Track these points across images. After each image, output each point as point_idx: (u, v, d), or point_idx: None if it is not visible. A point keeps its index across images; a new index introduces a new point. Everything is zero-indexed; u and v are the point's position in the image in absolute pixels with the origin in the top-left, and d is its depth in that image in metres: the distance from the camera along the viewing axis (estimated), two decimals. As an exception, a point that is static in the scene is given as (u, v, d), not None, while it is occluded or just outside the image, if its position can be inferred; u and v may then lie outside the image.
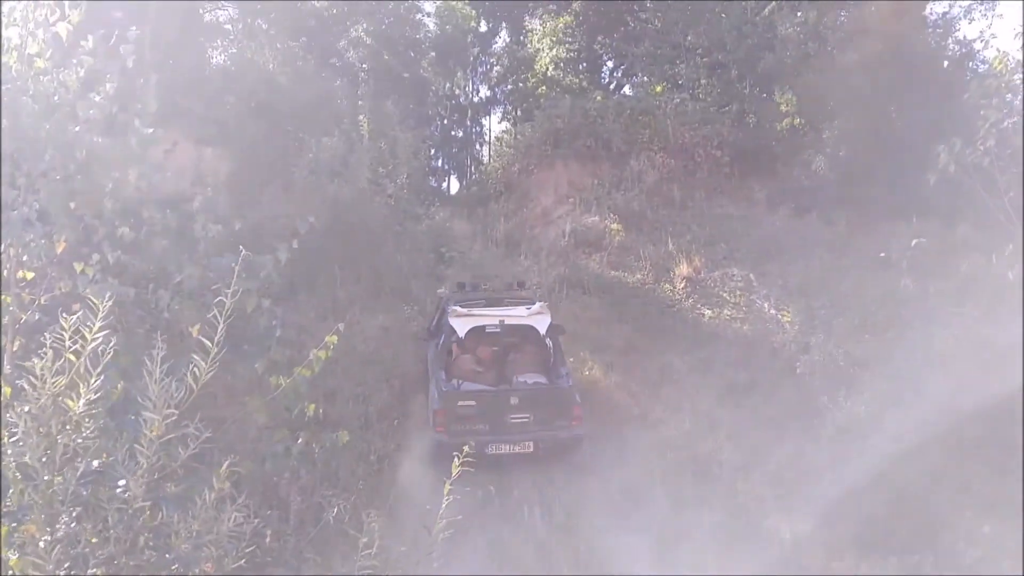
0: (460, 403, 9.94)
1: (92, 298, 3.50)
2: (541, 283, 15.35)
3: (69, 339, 3.46)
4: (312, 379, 5.04)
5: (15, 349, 4.60)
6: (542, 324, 10.68)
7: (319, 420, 5.97)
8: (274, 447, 5.11)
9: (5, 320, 4.61)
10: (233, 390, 8.25)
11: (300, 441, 5.38)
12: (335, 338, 4.94)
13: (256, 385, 5.73)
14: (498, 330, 10.74)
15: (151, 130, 5.04)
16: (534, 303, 11.19)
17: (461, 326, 10.44)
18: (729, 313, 14.39)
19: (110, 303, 3.50)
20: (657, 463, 9.65)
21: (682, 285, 15.46)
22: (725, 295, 14.91)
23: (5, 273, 4.88)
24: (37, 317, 4.81)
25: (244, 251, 4.51)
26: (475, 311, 10.81)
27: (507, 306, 11.19)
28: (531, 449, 9.92)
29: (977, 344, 9.55)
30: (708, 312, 14.53)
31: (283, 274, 5.69)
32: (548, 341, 10.85)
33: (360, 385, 11.28)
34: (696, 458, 9.85)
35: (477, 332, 10.65)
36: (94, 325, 3.44)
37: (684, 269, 15.75)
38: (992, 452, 8.98)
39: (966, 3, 20.93)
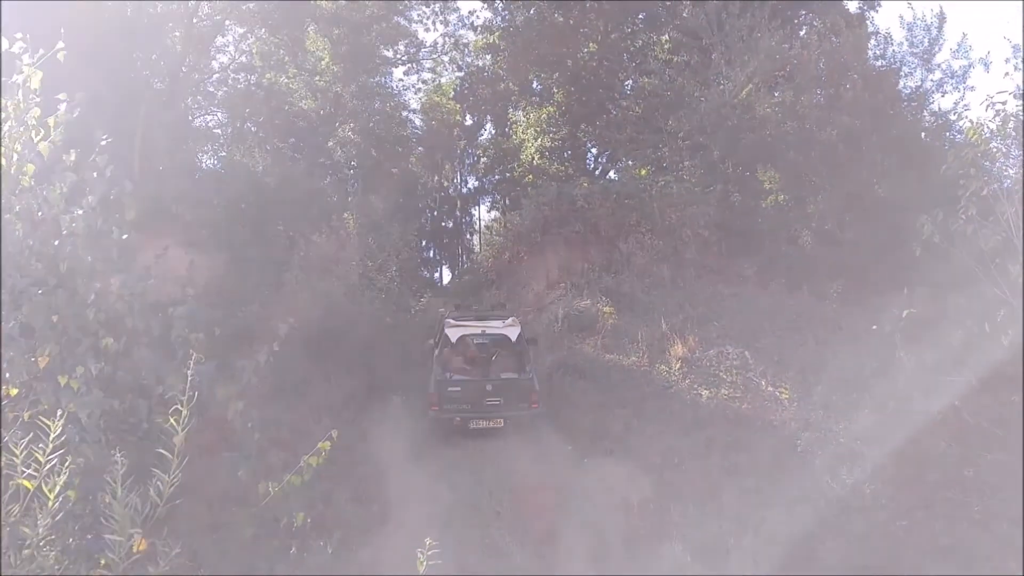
0: (449, 388, 13.30)
1: (45, 420, 3.40)
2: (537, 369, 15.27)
3: (22, 464, 3.35)
4: (305, 483, 4.92)
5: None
6: (513, 333, 14.14)
7: (311, 526, 5.81)
8: (259, 566, 4.96)
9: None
10: (226, 498, 8.09)
11: (292, 551, 5.24)
12: (328, 444, 4.85)
13: (244, 491, 5.59)
14: (481, 337, 14.25)
15: (126, 236, 5.05)
16: (508, 318, 14.54)
17: (453, 334, 13.99)
18: (726, 392, 14.23)
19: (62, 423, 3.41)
20: (665, 554, 9.33)
21: (678, 365, 15.33)
22: (721, 374, 14.78)
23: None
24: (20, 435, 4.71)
25: (224, 357, 4.46)
26: (465, 323, 14.33)
27: (490, 320, 14.63)
28: (501, 424, 13.12)
29: (977, 414, 9.45)
30: (705, 392, 14.36)
31: (272, 374, 5.63)
32: (519, 347, 14.04)
33: (356, 486, 11.02)
34: (705, 548, 9.53)
35: (465, 338, 14.11)
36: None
37: (679, 349, 15.66)
38: (998, 524, 8.78)
39: (937, 77, 21.58)
